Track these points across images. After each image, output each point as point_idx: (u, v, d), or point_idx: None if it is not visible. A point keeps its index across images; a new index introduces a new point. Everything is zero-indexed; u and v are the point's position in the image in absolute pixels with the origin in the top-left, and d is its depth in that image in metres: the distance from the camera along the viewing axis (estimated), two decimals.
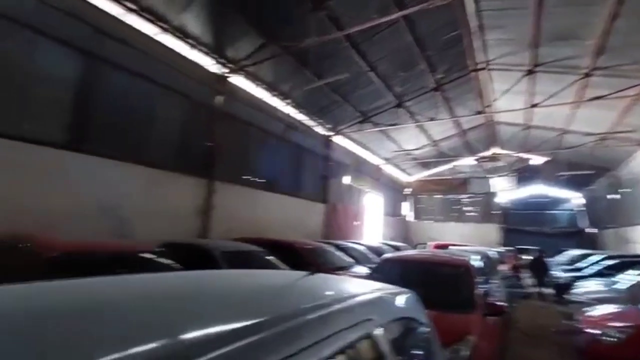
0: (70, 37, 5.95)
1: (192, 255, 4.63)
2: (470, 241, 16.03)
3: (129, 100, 7.01)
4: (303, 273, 1.65)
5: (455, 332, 3.11)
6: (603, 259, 11.26)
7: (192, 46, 7.98)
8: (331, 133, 13.96)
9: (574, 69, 9.72)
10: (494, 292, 5.35)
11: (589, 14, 7.68)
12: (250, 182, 10.05)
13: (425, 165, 21.46)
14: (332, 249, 8.42)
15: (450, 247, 10.72)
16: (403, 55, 10.71)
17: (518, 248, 17.16)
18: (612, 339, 4.75)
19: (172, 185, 7.59)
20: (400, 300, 1.64)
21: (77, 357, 0.62)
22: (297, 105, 11.50)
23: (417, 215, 24.92)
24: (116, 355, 0.60)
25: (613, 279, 8.54)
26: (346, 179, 15.46)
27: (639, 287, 6.92)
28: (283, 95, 10.78)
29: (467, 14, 9.09)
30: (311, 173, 13.15)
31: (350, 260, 8.30)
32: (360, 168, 16.87)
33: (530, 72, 10.52)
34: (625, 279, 7.95)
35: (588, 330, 5.23)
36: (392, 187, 21.59)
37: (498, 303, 4.08)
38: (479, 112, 13.58)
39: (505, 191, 23.19)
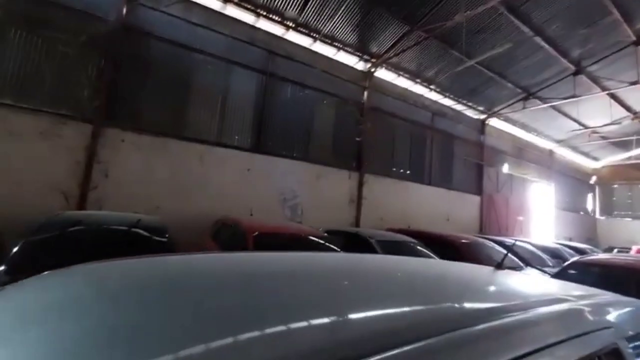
0: (251, 61, 7.49)
1: (351, 242, 4.99)
2: None
3: (294, 107, 8.20)
4: (489, 267, 1.50)
5: None
6: None
7: (339, 49, 8.54)
8: (485, 116, 12.41)
9: None
10: None
11: None
12: (397, 174, 10.06)
13: (622, 145, 16.44)
14: (493, 245, 7.47)
15: None
16: (582, 8, 8.49)
17: None
18: None
19: (329, 179, 8.45)
20: (637, 311, 1.28)
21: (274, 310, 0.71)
22: (444, 90, 10.74)
23: (607, 211, 19.43)
24: (303, 323, 0.65)
25: None
26: (505, 167, 13.48)
27: None
28: (427, 82, 10.26)
29: None
30: (463, 162, 12.08)
31: (516, 260, 7.17)
32: (523, 154, 14.42)
33: None
34: None
35: None
36: (569, 175, 17.53)
37: None
38: None
39: None
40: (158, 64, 6.48)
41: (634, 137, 15.00)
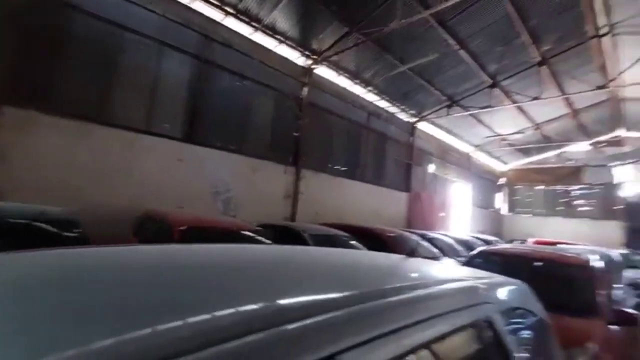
0: (185, 45, 6.99)
1: (284, 236, 5.01)
2: (582, 240, 13.79)
3: (230, 97, 7.89)
4: (400, 255, 1.65)
5: (572, 338, 2.73)
6: None
7: (281, 42, 8.44)
8: (415, 119, 13.35)
9: None
10: (620, 300, 4.56)
11: None
12: (333, 170, 10.33)
13: (525, 152, 19.01)
14: (416, 238, 8.13)
15: (559, 245, 9.37)
16: (500, 28, 9.55)
17: None
18: None
19: (265, 173, 8.33)
20: (515, 290, 1.52)
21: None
22: (380, 92, 11.28)
23: (512, 208, 22.36)
24: (227, 311, 0.66)
25: None
26: (431, 168, 14.69)
27: None
28: (365, 83, 10.69)
29: None
30: (394, 161, 12.87)
31: (436, 251, 7.93)
32: (446, 156, 15.84)
33: None
34: None
35: None
36: (483, 176, 19.77)
37: (629, 311, 3.45)
38: (600, 87, 11.38)
39: (635, 182, 19.11)
40: (79, 39, 5.71)
41: (535, 145, 17.49)
